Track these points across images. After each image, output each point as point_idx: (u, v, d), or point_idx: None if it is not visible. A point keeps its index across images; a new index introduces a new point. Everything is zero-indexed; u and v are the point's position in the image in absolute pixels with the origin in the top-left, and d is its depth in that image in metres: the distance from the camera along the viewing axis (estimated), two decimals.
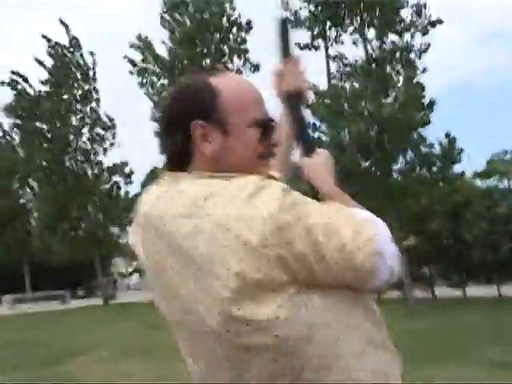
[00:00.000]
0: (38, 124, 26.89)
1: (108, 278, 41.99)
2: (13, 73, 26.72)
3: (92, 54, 27.99)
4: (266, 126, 1.24)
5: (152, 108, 25.54)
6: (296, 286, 1.06)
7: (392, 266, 1.11)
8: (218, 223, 1.05)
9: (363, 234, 1.09)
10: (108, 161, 28.97)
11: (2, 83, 26.95)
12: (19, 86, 27.05)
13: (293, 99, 1.49)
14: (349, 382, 1.09)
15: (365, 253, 1.07)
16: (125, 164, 28.79)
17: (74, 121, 27.38)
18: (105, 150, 27.83)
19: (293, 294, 1.05)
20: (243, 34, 25.81)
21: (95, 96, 27.82)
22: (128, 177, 28.93)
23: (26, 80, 27.07)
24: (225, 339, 1.08)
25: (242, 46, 25.85)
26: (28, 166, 27.69)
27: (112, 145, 27.70)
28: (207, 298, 1.07)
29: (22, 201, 31.72)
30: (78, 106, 27.28)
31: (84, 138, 27.66)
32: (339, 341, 1.09)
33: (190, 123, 1.18)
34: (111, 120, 27.87)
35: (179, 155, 1.22)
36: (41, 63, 26.99)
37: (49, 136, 26.73)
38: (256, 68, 25.72)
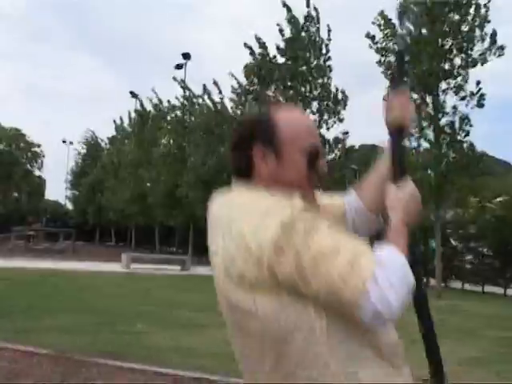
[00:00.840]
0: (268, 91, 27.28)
1: None
2: (257, 39, 27.30)
3: (329, 29, 27.66)
4: (313, 154, 1.49)
5: (386, 88, 25.19)
6: (290, 293, 1.26)
7: (378, 310, 1.17)
8: (241, 234, 1.33)
9: (359, 270, 1.18)
10: (330, 135, 27.92)
11: (245, 45, 27.36)
12: (258, 51, 27.46)
13: (395, 130, 1.61)
14: (319, 382, 1.26)
15: (351, 290, 1.18)
16: (345, 134, 27.71)
17: (304, 92, 27.47)
18: (329, 122, 27.42)
19: (284, 297, 1.26)
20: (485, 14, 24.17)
21: (327, 72, 27.61)
22: (346, 149, 28.22)
23: (263, 47, 27.38)
24: (232, 320, 1.42)
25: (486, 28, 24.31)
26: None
27: (340, 120, 27.50)
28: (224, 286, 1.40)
29: None
30: (310, 78, 27.43)
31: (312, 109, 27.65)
32: (319, 345, 1.25)
33: (253, 146, 1.48)
34: (344, 96, 27.51)
35: (243, 170, 1.51)
36: (281, 32, 27.19)
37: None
38: (501, 50, 23.88)
